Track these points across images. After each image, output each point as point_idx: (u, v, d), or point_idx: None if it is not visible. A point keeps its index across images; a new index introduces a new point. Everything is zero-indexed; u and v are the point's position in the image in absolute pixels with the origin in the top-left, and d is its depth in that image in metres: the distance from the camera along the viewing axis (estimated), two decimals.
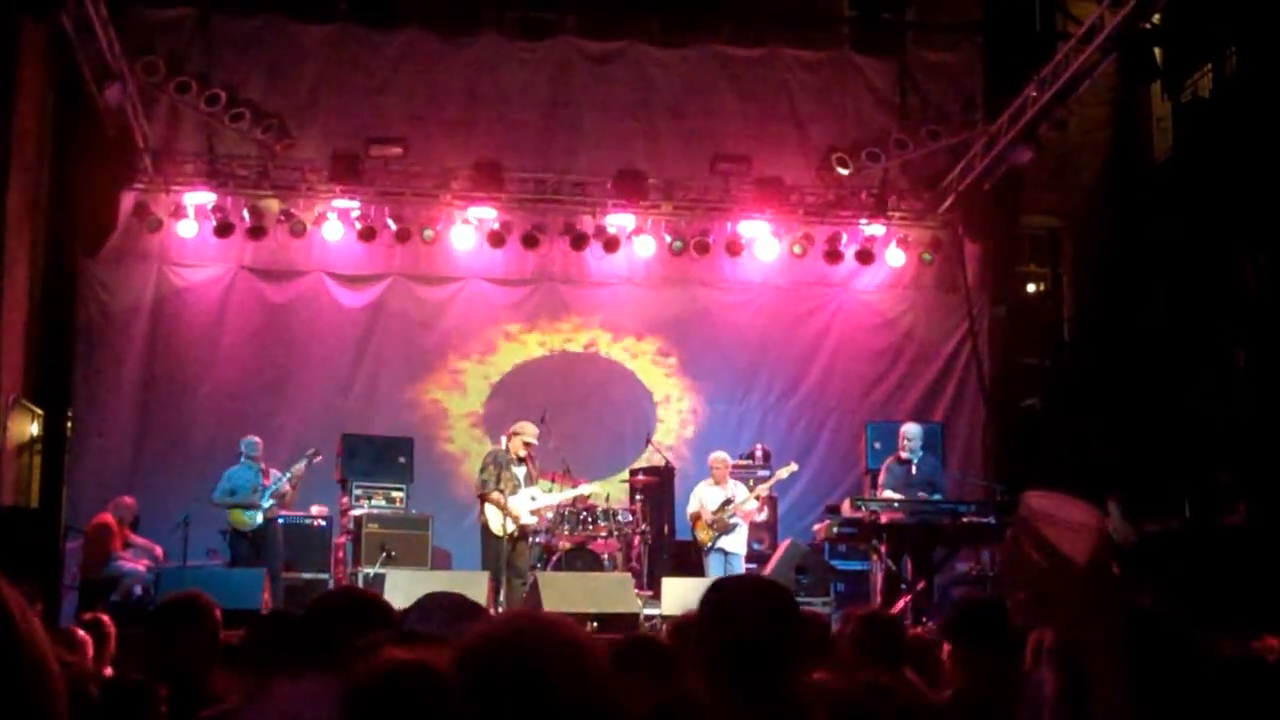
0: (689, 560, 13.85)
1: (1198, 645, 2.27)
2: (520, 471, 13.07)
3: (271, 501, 13.44)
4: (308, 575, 13.71)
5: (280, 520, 13.66)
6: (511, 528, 12.76)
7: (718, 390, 16.44)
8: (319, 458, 13.98)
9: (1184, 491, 13.61)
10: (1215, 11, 14.71)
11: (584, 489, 13.63)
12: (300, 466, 13.65)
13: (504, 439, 13.29)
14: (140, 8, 14.57)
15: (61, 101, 13.93)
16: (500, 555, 12.68)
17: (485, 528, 12.94)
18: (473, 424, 16.07)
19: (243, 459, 13.60)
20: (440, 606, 3.48)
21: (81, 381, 14.83)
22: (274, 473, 13.58)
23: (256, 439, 13.77)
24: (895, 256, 16.35)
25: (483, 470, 13.17)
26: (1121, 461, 14.66)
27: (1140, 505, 13.10)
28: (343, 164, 15.09)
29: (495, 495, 12.82)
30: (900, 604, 11.60)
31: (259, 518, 13.34)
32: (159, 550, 13.52)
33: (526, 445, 13.14)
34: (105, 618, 6.94)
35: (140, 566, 13.10)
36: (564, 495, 13.50)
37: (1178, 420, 14.68)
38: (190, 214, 15.18)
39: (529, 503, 12.99)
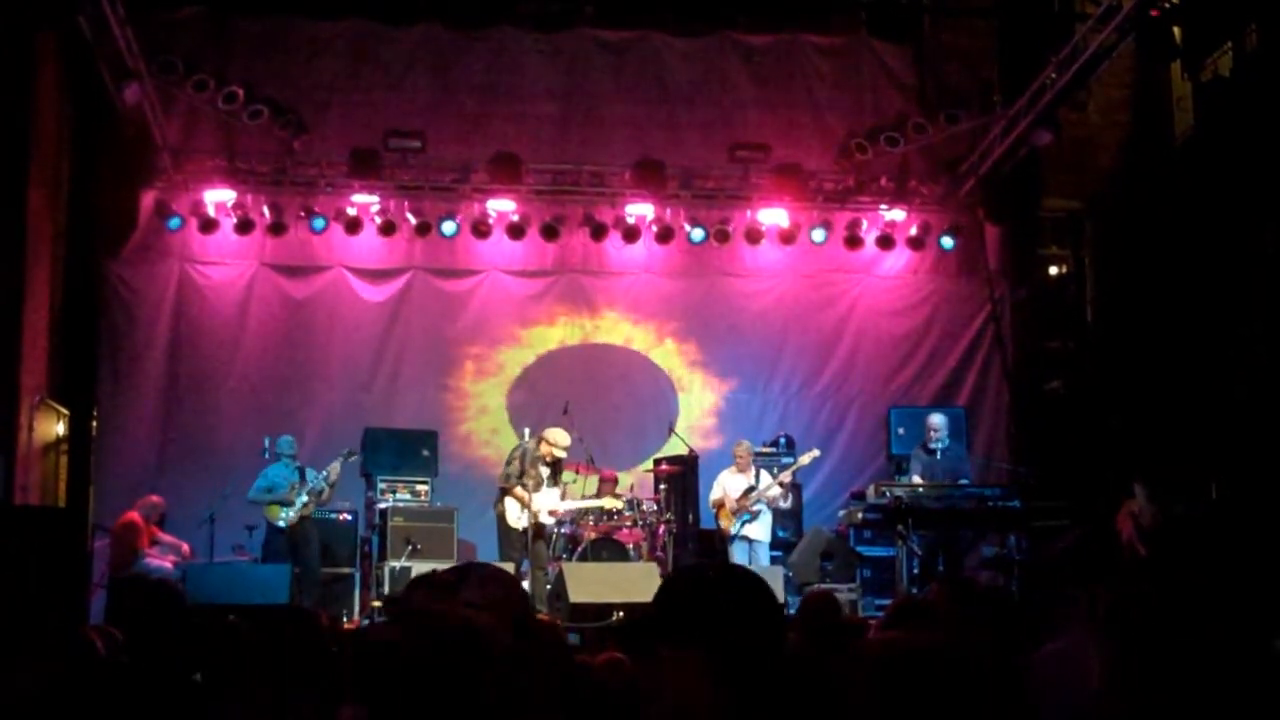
0: (714, 549, 13.84)
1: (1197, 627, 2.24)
2: (545, 471, 13.05)
3: (306, 499, 13.46)
4: (335, 570, 13.77)
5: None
6: (528, 521, 12.77)
7: (740, 378, 16.41)
8: (355, 457, 14.00)
9: (1211, 474, 13.49)
10: None
11: (605, 502, 13.54)
12: (336, 466, 13.67)
13: (527, 433, 13.27)
14: (156, 8, 14.60)
15: (79, 103, 13.96)
16: (522, 547, 12.71)
17: (501, 519, 12.96)
18: (496, 416, 16.09)
19: (282, 458, 13.67)
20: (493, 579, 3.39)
21: (106, 381, 14.88)
22: (310, 471, 13.62)
23: (292, 437, 13.88)
24: (916, 241, 16.31)
25: (508, 463, 13.19)
26: (1147, 443, 14.55)
27: (1166, 488, 12.99)
28: (361, 159, 15.11)
29: (518, 489, 12.83)
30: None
31: (293, 514, 13.38)
32: (186, 547, 13.60)
33: (556, 458, 13.10)
34: None
35: (168, 564, 13.18)
36: (584, 504, 13.47)
37: (1203, 401, 14.56)
38: (210, 212, 15.24)
39: (548, 504, 12.97)
